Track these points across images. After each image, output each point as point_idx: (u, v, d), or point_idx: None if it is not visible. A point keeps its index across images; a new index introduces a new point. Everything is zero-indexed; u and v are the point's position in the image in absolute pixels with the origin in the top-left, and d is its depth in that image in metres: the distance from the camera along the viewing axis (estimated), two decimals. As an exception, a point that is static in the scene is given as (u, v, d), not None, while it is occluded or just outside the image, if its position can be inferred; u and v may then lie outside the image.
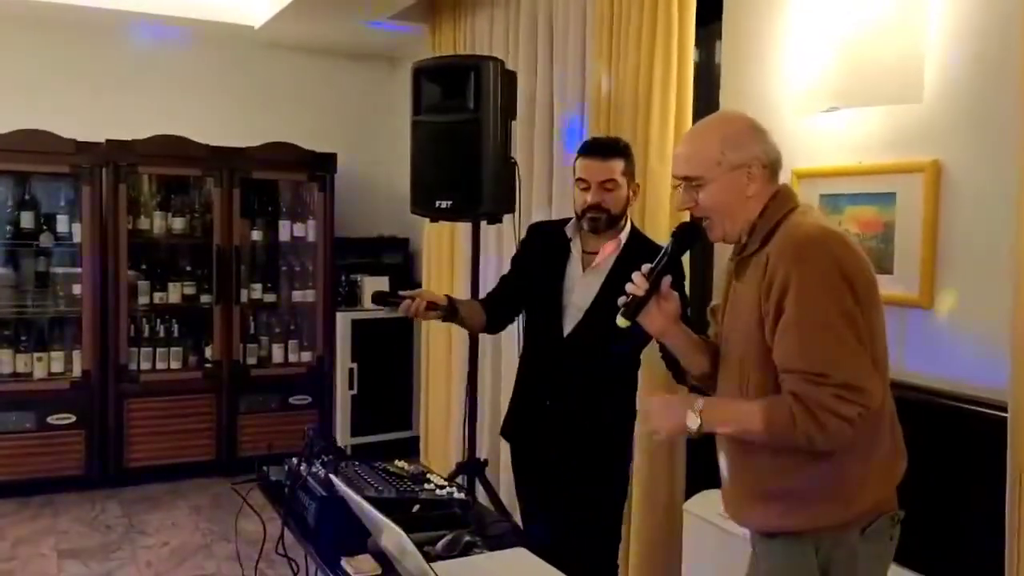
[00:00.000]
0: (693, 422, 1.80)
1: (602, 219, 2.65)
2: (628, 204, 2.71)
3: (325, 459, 2.24)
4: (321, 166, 5.41)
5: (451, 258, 4.83)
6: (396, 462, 2.35)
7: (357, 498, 1.68)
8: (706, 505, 2.90)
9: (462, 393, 4.58)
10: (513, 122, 3.49)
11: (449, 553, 1.93)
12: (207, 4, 5.12)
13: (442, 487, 2.18)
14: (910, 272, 2.57)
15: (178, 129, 5.11)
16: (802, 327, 1.70)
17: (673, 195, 2.97)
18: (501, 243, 4.21)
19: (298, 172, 5.42)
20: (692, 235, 1.96)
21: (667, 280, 1.92)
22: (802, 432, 1.68)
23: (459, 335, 4.63)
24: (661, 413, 1.88)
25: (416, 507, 2.05)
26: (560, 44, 3.82)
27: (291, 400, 5.46)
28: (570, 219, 2.81)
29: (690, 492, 3.10)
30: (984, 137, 2.40)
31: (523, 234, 3.73)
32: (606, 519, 2.77)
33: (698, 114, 3.23)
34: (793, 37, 2.91)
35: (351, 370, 5.54)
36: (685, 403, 1.84)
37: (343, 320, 5.52)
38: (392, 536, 1.64)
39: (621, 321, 1.91)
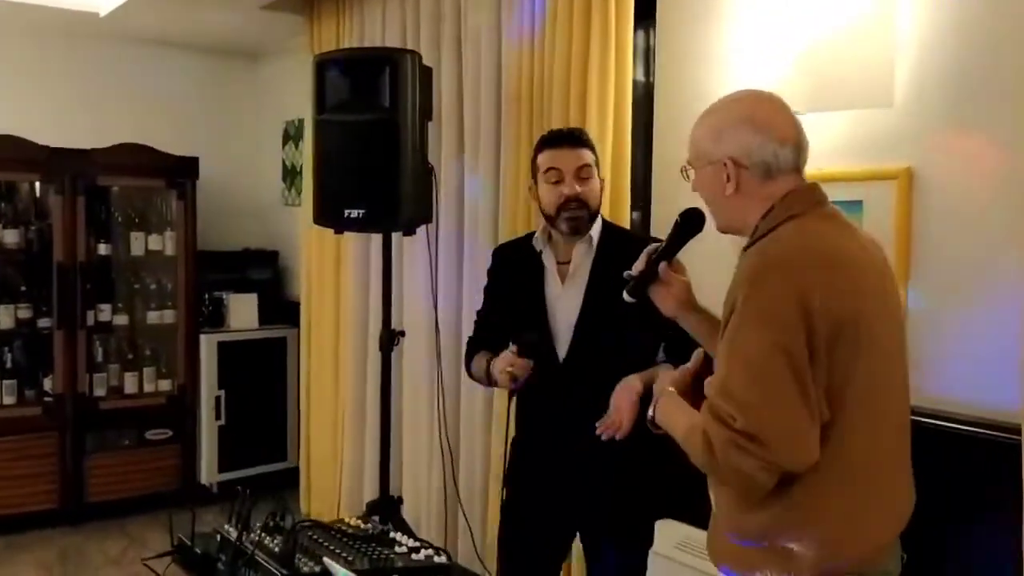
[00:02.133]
0: (651, 409, 1.77)
1: (583, 216, 2.34)
2: (601, 198, 2.44)
3: (271, 524, 1.83)
4: (181, 171, 4.84)
5: (336, 273, 4.41)
6: (349, 520, 1.97)
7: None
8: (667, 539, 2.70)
9: (360, 423, 4.21)
10: (430, 123, 3.17)
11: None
12: (43, -15, 4.46)
13: (415, 549, 1.84)
14: (881, 285, 2.45)
15: (11, 128, 4.42)
16: (730, 358, 1.53)
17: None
18: (405, 257, 3.83)
19: (155, 178, 4.82)
20: (695, 222, 1.85)
21: (664, 265, 1.85)
22: (704, 464, 1.54)
23: (349, 358, 4.24)
24: (617, 403, 1.92)
25: (393, 579, 1.70)
26: (471, 37, 3.51)
27: (148, 435, 4.85)
28: (531, 233, 2.51)
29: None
30: (959, 143, 2.32)
31: (435, 246, 3.46)
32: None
33: (637, 118, 3.04)
34: (742, 39, 2.77)
35: (218, 398, 4.98)
36: (656, 390, 1.79)
37: (207, 343, 4.96)
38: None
39: (626, 296, 1.88)
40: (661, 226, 3.08)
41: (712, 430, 1.49)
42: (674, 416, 1.69)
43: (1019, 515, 1.98)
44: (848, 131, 2.51)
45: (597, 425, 2.22)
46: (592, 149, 2.42)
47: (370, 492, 4.16)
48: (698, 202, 1.83)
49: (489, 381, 2.42)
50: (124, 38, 5.11)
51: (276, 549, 1.72)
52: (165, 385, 4.93)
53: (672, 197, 3.01)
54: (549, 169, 2.36)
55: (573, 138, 2.40)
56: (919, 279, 2.39)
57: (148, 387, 4.89)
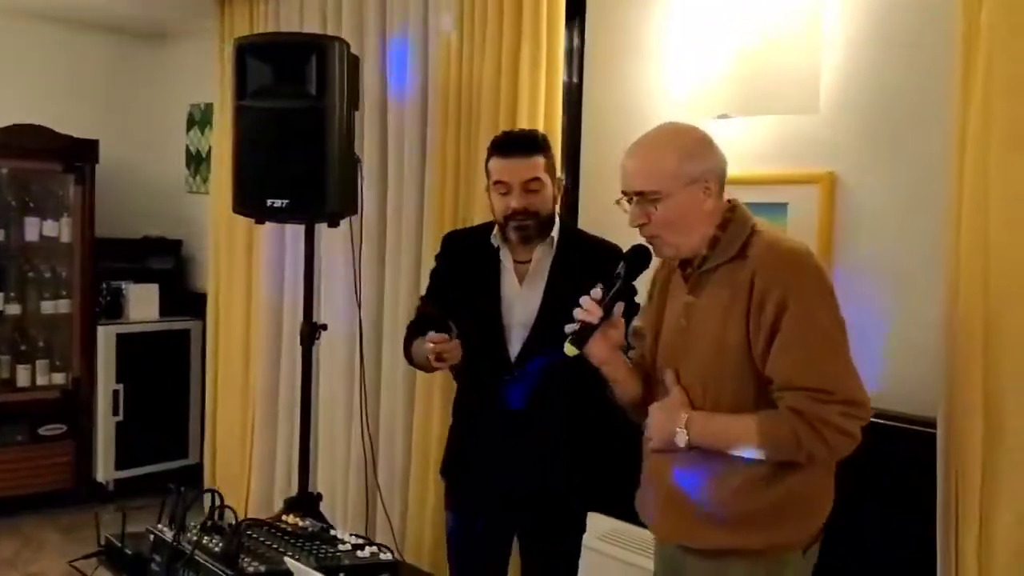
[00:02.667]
0: (681, 438, 1.76)
1: (532, 225, 2.31)
2: (555, 203, 2.41)
3: (209, 523, 1.77)
4: (79, 154, 4.59)
5: (248, 264, 4.28)
6: (286, 518, 1.92)
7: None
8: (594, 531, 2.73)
9: (272, 418, 4.11)
10: (356, 113, 3.11)
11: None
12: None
13: (359, 546, 1.81)
14: (803, 284, 2.55)
15: None
16: (807, 344, 1.67)
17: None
18: (324, 249, 3.74)
19: (50, 161, 4.56)
20: (643, 259, 1.87)
21: (619, 307, 1.83)
22: (806, 449, 1.67)
23: (261, 352, 4.12)
24: (654, 423, 1.82)
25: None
26: (398, 27, 3.45)
27: (41, 431, 4.58)
28: (489, 224, 2.45)
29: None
30: (881, 149, 2.42)
31: (359, 239, 3.40)
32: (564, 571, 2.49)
33: (565, 122, 3.06)
34: (672, 42, 2.82)
35: (116, 392, 4.76)
36: (673, 414, 1.78)
37: (105, 334, 4.73)
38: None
39: (569, 349, 1.80)
40: (588, 224, 3.11)
41: (809, 410, 1.64)
42: (717, 426, 1.74)
43: (934, 502, 2.10)
44: (775, 136, 2.60)
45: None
46: (545, 153, 2.36)
47: (281, 488, 4.07)
48: (630, 234, 1.89)
49: (428, 363, 2.35)
50: (20, 13, 4.80)
51: (217, 549, 1.66)
52: (59, 378, 4.67)
53: (600, 195, 3.06)
54: (497, 181, 2.32)
55: (524, 146, 2.33)
56: (840, 279, 2.48)
57: (41, 380, 4.62)
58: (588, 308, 1.79)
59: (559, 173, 2.51)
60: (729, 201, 1.85)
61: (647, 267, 1.89)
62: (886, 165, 2.41)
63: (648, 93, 2.89)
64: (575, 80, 3.13)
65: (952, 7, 2.06)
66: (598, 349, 1.84)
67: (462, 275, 2.44)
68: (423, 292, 2.67)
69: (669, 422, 1.77)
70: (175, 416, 5.02)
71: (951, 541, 2.05)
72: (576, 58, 3.13)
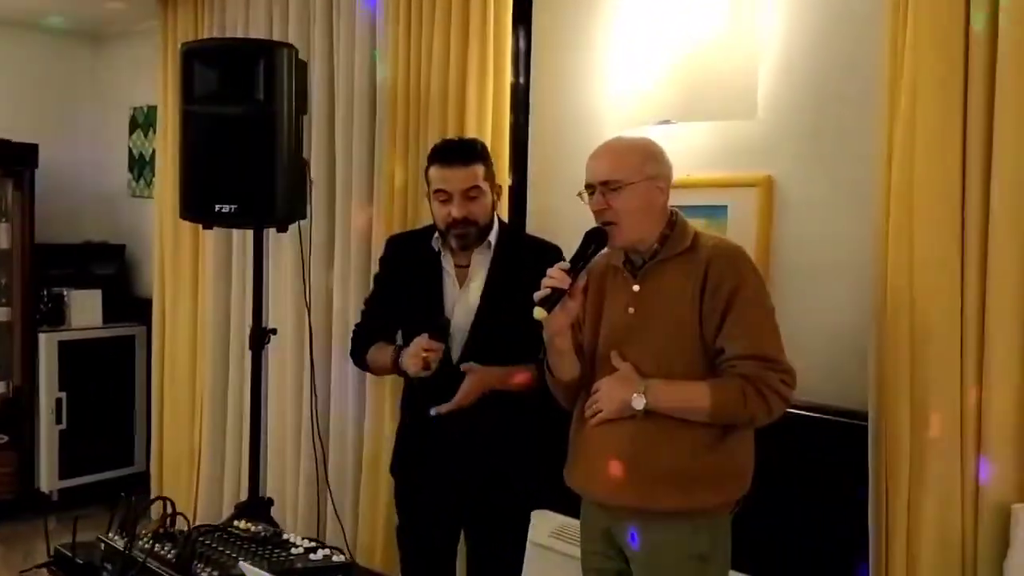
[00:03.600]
0: (639, 402, 1.93)
1: (471, 233, 2.38)
2: (494, 210, 2.47)
3: (161, 531, 1.77)
4: (18, 159, 4.49)
5: (194, 269, 4.24)
6: (238, 524, 1.94)
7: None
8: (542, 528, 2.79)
9: (221, 423, 4.08)
10: (304, 117, 3.12)
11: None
12: None
13: (311, 549, 1.83)
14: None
15: None
16: (756, 321, 1.95)
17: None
18: (272, 253, 3.73)
19: (-12, 166, 4.47)
20: (602, 238, 2.02)
21: (582, 279, 1.96)
22: (750, 410, 1.91)
23: (208, 357, 4.10)
24: (607, 393, 1.99)
25: (297, 580, 1.68)
26: (345, 30, 3.46)
27: (-19, 441, 4.49)
28: (431, 227, 2.50)
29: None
30: (814, 153, 2.52)
31: (308, 243, 3.41)
32: (509, 563, 2.56)
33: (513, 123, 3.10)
34: (616, 47, 2.89)
35: (59, 400, 4.67)
36: (628, 384, 1.96)
37: (47, 342, 4.64)
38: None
39: (538, 312, 1.91)
40: (535, 223, 3.17)
41: (759, 376, 1.89)
42: (673, 390, 1.95)
43: (866, 490, 2.20)
44: (714, 140, 2.68)
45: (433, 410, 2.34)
46: (485, 161, 2.43)
47: (230, 494, 4.04)
48: (576, 233, 2.06)
49: (393, 368, 2.43)
50: (-48, 14, 4.71)
51: (170, 556, 1.67)
52: (-1, 387, 4.60)
53: (546, 194, 3.12)
54: (438, 190, 2.38)
55: (463, 154, 2.39)
56: (777, 278, 2.58)
57: (-20, 389, 4.54)
58: (556, 276, 1.93)
59: (498, 180, 2.58)
60: (671, 208, 2.09)
61: (604, 247, 2.03)
62: (820, 168, 2.51)
63: (593, 98, 2.95)
64: (523, 81, 3.18)
65: (881, 15, 2.16)
66: (557, 319, 1.96)
67: (404, 278, 2.49)
68: (372, 285, 2.72)
69: (623, 390, 1.96)
70: (120, 423, 4.94)
71: (881, 528, 2.14)
72: (524, 59, 3.19)
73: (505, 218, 3.02)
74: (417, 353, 2.31)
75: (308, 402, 3.37)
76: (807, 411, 2.46)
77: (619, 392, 1.96)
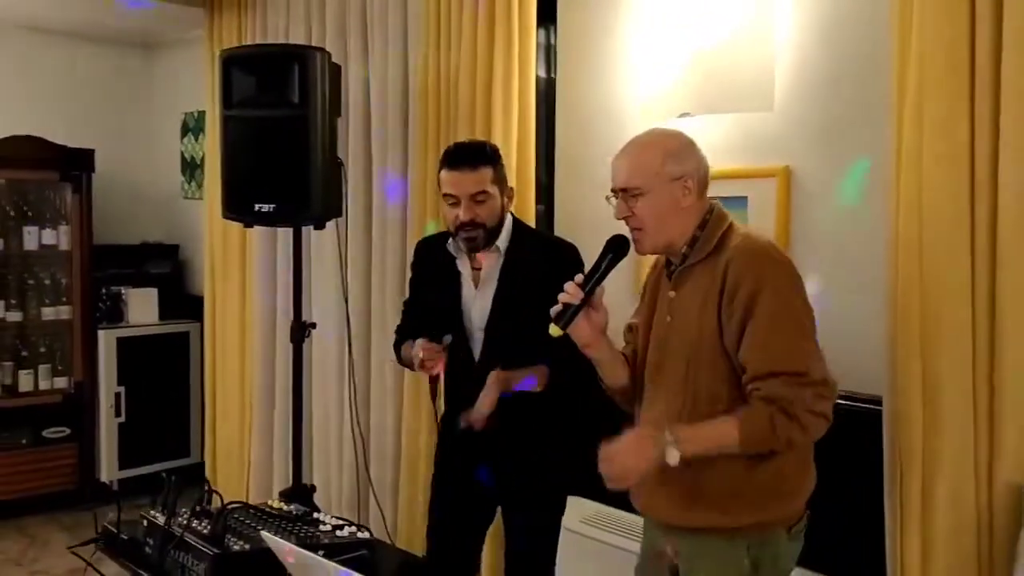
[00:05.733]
0: (672, 457, 1.76)
1: (479, 236, 2.41)
2: (504, 212, 2.51)
3: (198, 508, 1.90)
4: (76, 164, 4.72)
5: (242, 267, 4.41)
6: (271, 503, 2.06)
7: (298, 550, 1.41)
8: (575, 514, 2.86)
9: (269, 414, 4.24)
10: (339, 119, 3.24)
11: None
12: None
13: (339, 527, 1.94)
14: (764, 273, 2.67)
15: None
16: (779, 328, 1.77)
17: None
18: (314, 250, 3.87)
19: (48, 171, 4.69)
20: (623, 247, 1.95)
21: (600, 290, 1.91)
22: (783, 437, 1.75)
23: (256, 351, 4.25)
24: (630, 454, 1.80)
25: (321, 553, 1.79)
26: (379, 34, 3.58)
27: (45, 434, 4.73)
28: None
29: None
30: (830, 144, 2.55)
31: (345, 240, 3.54)
32: (542, 546, 2.61)
33: (540, 119, 3.18)
34: (638, 43, 2.95)
35: (117, 395, 4.90)
36: (653, 439, 1.79)
37: (106, 339, 4.87)
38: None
39: (554, 330, 1.88)
40: (564, 218, 3.25)
41: (786, 396, 1.72)
42: (702, 434, 1.80)
43: (881, 473, 2.23)
44: (734, 132, 2.73)
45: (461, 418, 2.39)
46: (494, 164, 2.46)
47: (279, 483, 4.19)
48: (604, 227, 2.02)
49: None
50: (15, 26, 4.94)
51: (205, 531, 1.79)
52: (61, 382, 4.82)
53: (574, 189, 3.19)
54: (446, 194, 2.43)
55: (473, 158, 2.42)
56: (797, 267, 2.61)
57: (44, 385, 4.77)
58: (570, 291, 1.89)
59: (510, 182, 2.62)
60: (710, 202, 1.97)
61: (625, 255, 1.97)
62: (836, 159, 2.54)
63: (617, 92, 3.02)
64: (549, 77, 3.25)
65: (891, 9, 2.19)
66: (582, 330, 1.92)
67: (429, 282, 2.58)
68: (408, 289, 2.81)
69: (649, 444, 1.79)
70: (176, 416, 5.16)
71: (896, 509, 2.18)
72: (552, 55, 3.26)
73: (532, 213, 3.11)
74: (416, 354, 2.38)
75: (348, 393, 3.50)
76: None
77: (636, 458, 1.80)
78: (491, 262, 2.49)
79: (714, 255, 1.87)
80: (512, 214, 2.58)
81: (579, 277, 1.91)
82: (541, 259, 2.26)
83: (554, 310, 1.88)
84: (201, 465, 4.87)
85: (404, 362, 2.67)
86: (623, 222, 1.95)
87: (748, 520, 1.85)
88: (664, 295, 1.98)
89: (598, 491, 2.71)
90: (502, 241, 2.50)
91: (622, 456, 1.80)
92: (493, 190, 2.44)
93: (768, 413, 1.74)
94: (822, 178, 2.57)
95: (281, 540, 1.45)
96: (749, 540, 1.86)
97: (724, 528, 1.86)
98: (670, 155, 1.90)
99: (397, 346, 2.71)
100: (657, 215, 1.89)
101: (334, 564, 1.31)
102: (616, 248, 1.94)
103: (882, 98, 2.27)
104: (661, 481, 1.88)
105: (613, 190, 1.95)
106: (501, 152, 2.85)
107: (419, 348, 2.39)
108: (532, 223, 3.12)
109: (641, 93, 2.93)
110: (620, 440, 1.82)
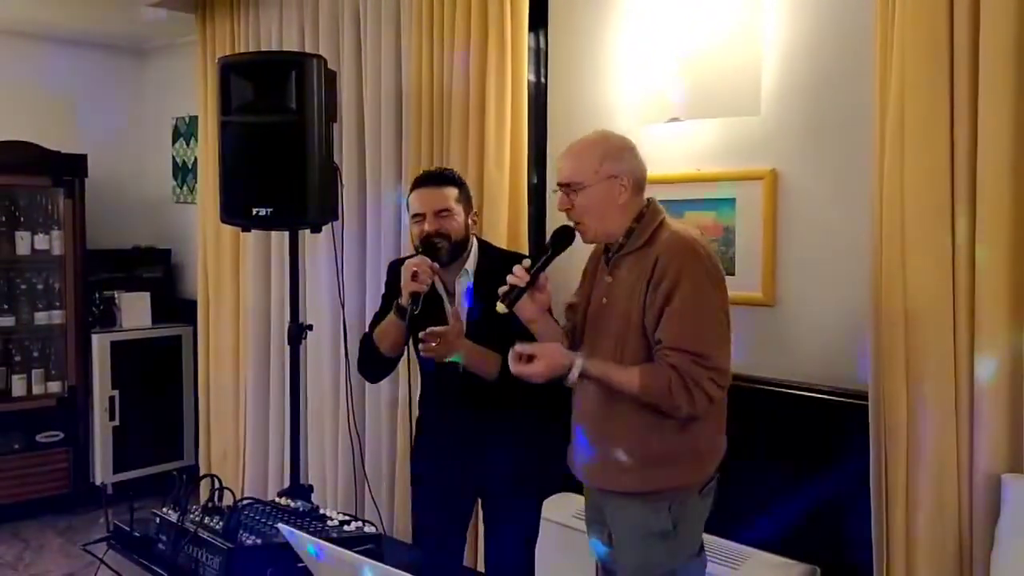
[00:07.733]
0: (577, 367, 2.01)
1: (444, 247, 2.48)
2: (468, 233, 2.59)
3: (210, 505, 1.95)
4: (68, 169, 4.74)
5: (236, 270, 4.45)
6: (279, 500, 2.11)
7: (319, 542, 1.47)
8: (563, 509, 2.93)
9: (264, 416, 4.28)
10: (335, 124, 3.30)
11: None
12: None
13: (346, 522, 2.00)
14: (752, 273, 2.76)
15: None
16: (693, 314, 1.98)
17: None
18: (308, 254, 3.92)
19: (40, 176, 4.72)
20: (567, 237, 2.17)
21: (544, 275, 2.14)
22: (673, 400, 1.97)
23: (250, 354, 4.30)
24: (548, 356, 2.03)
25: (331, 548, 1.85)
26: (372, 39, 3.64)
27: (39, 438, 4.75)
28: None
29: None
30: (816, 147, 2.64)
31: (341, 243, 3.58)
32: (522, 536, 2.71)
33: (532, 122, 3.25)
34: (628, 48, 3.02)
35: (111, 398, 4.93)
36: (568, 354, 2.05)
37: (100, 343, 4.90)
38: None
39: (500, 307, 2.11)
40: (556, 221, 3.30)
41: (686, 369, 1.94)
42: (606, 365, 2.04)
43: (867, 463, 2.31)
44: (722, 136, 2.81)
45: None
46: (458, 186, 2.57)
47: (274, 483, 4.25)
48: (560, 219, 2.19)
49: (398, 313, 2.48)
50: (5, 31, 4.97)
51: (218, 526, 1.85)
52: (55, 387, 4.84)
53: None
54: (415, 214, 2.53)
55: (437, 179, 2.56)
56: (783, 267, 2.71)
57: (37, 389, 4.78)
58: (517, 274, 2.11)
59: (474, 208, 2.70)
60: (647, 199, 2.16)
61: (570, 244, 2.17)
62: (821, 161, 2.63)
63: (607, 96, 3.09)
64: (542, 80, 3.33)
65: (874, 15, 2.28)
66: (526, 308, 2.16)
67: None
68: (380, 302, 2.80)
69: (565, 354, 2.05)
70: (170, 419, 5.20)
71: (882, 498, 2.26)
72: (543, 59, 3.33)
73: (524, 216, 3.18)
74: (408, 269, 2.41)
75: (344, 394, 3.55)
76: (809, 392, 2.59)
77: (549, 360, 2.02)
78: (462, 287, 2.58)
79: (646, 247, 2.07)
80: (477, 237, 2.66)
81: (527, 262, 2.14)
82: (504, 272, 2.33)
83: (502, 290, 2.11)
84: (195, 467, 4.90)
85: (381, 336, 2.61)
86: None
87: (664, 483, 2.06)
88: (601, 279, 2.18)
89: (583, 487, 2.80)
90: (470, 264, 2.57)
91: (541, 357, 2.02)
92: (457, 208, 2.55)
93: (668, 376, 1.95)
94: (807, 180, 2.65)
95: (302, 533, 1.50)
96: (670, 501, 2.07)
97: (648, 491, 2.07)
98: (608, 156, 2.10)
99: (364, 348, 2.71)
100: (594, 208, 2.08)
101: (361, 557, 1.36)
102: (562, 238, 2.15)
103: (865, 101, 2.36)
104: (594, 452, 2.14)
105: (558, 184, 2.14)
106: (490, 158, 2.93)
107: (413, 261, 2.42)
108: (524, 226, 3.21)
109: (631, 97, 3.00)
110: (547, 346, 2.08)
